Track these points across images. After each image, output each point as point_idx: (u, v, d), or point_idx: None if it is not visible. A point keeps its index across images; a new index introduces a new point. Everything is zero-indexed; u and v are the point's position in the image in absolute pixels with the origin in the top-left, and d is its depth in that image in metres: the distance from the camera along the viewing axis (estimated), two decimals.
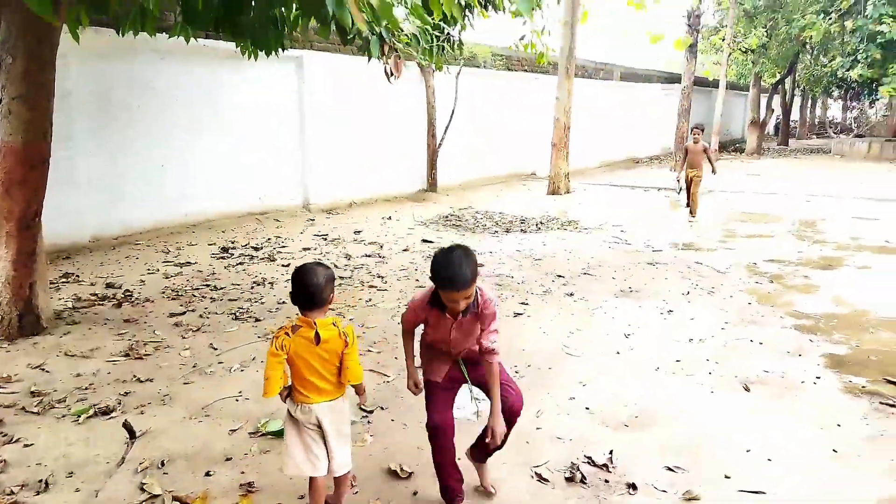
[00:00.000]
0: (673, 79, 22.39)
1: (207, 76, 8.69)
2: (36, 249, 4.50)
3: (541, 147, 14.36)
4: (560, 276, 6.64)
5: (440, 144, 12.30)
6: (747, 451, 3.20)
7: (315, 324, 2.44)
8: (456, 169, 13.39)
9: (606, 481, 2.96)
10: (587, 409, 3.68)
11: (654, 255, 7.57)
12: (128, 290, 5.98)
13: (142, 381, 4.03)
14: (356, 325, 5.06)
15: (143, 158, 8.06)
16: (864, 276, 6.68)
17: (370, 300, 5.75)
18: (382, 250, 7.82)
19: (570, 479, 2.97)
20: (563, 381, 4.06)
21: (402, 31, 4.29)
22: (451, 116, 12.26)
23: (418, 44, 4.61)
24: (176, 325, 5.07)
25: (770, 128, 32.95)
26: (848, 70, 20.17)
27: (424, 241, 8.38)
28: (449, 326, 2.59)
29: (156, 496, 2.83)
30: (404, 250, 7.83)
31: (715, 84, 20.70)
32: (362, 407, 3.64)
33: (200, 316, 5.29)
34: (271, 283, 6.27)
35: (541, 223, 9.70)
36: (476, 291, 2.48)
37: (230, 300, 5.72)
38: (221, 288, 6.09)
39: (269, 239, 8.33)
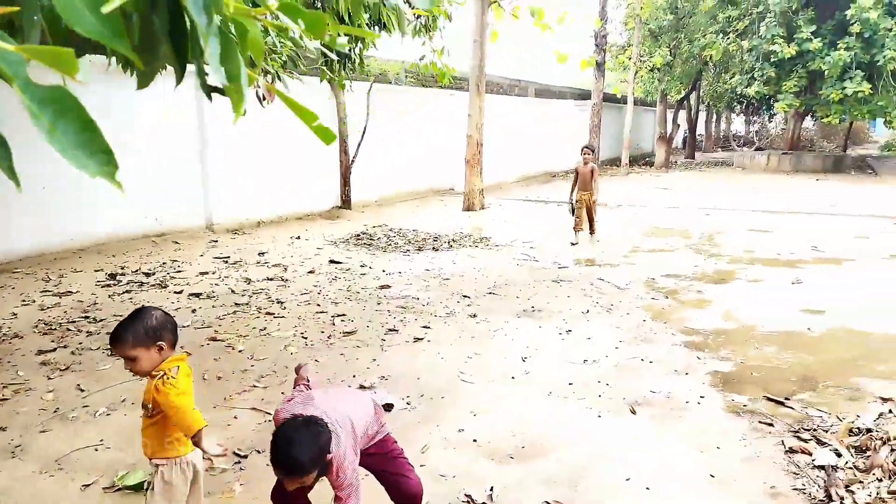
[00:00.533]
0: (586, 95, 23.08)
1: (99, 90, 8.17)
2: None
3: (459, 162, 14.38)
4: (466, 296, 6.58)
5: (353, 161, 12.11)
6: (626, 479, 3.19)
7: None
8: (371, 185, 13.23)
9: None
10: (475, 441, 3.59)
11: (560, 272, 7.65)
12: None
13: None
14: (245, 357, 4.81)
15: (22, 179, 7.45)
16: (755, 289, 6.97)
17: (264, 329, 5.49)
18: (286, 273, 7.55)
19: None
20: (454, 411, 3.96)
21: (275, 52, 4.11)
22: (364, 133, 12.11)
23: (295, 66, 4.44)
24: (43, 363, 4.65)
25: (678, 141, 34.57)
26: (746, 87, 21.40)
27: (332, 261, 8.16)
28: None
29: None
30: (309, 272, 7.59)
31: (625, 101, 21.48)
32: (235, 451, 3.41)
33: (72, 352, 4.89)
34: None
35: (453, 241, 9.67)
36: (329, 463, 2.13)
37: (108, 333, 5.31)
38: (101, 320, 5.67)
39: (163, 263, 7.88)
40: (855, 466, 3.20)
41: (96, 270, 7.41)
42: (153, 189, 9.01)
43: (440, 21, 6.16)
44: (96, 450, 3.45)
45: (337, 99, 11.64)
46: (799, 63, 19.58)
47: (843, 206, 13.36)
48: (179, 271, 7.52)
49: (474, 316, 5.90)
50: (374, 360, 4.79)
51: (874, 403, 4.00)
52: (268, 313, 5.94)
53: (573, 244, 9.40)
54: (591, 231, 9.70)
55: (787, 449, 3.46)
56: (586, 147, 9.51)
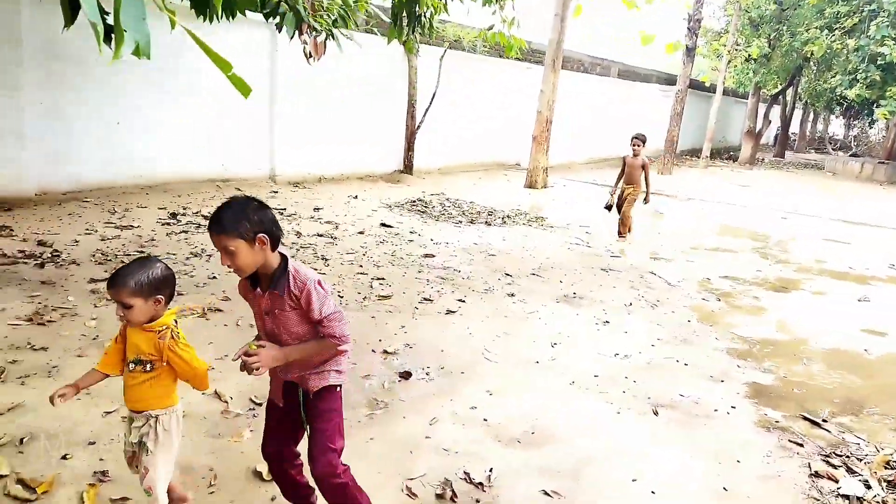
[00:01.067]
0: (672, 80, 22.10)
1: (175, 34, 8.42)
2: None
3: (528, 138, 14.15)
4: (508, 274, 6.49)
5: (419, 126, 12.07)
6: (633, 480, 3.09)
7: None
8: (436, 152, 13.19)
9: (477, 501, 2.84)
10: (485, 420, 3.55)
11: (611, 261, 7.43)
12: (56, 250, 5.80)
13: (35, 350, 3.87)
14: None
15: (96, 114, 7.83)
16: (817, 302, 6.56)
17: None
18: (336, 231, 7.65)
19: (440, 496, 2.84)
20: (471, 388, 3.93)
21: (325, 8, 4.07)
22: (433, 99, 12.03)
23: (345, 24, 4.39)
24: (92, 291, 4.90)
25: (768, 138, 32.76)
26: (847, 88, 19.95)
27: (383, 224, 8.21)
28: (260, 307, 2.19)
29: (2, 476, 2.69)
30: (359, 233, 7.66)
31: (713, 89, 20.45)
32: (251, 398, 3.51)
33: None
34: (209, 256, 6.09)
35: (508, 217, 9.54)
36: (290, 272, 2.11)
37: None
38: (155, 256, 5.90)
39: None
40: (884, 502, 2.98)
41: (160, 208, 7.73)
42: (222, 135, 9.27)
43: None
44: None
45: (409, 63, 11.59)
46: None
47: None
48: None
49: (512, 295, 5.81)
50: (403, 326, 4.80)
51: None
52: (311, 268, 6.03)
53: (618, 244, 8.38)
54: (621, 233, 8.52)
55: (812, 472, 3.25)
56: (637, 137, 8.24)
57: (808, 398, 4.20)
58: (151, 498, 2.26)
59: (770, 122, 26.78)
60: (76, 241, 6.13)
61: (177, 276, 5.60)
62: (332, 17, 4.19)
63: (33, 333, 4.08)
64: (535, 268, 6.83)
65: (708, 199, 13.48)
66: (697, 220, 10.92)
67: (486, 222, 9.05)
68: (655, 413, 3.81)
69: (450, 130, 13.36)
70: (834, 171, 23.25)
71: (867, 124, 36.20)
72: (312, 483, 2.34)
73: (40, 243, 5.96)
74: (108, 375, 2.34)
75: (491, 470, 3.04)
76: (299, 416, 2.33)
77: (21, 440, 2.95)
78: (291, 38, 3.93)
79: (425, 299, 5.47)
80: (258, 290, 2.17)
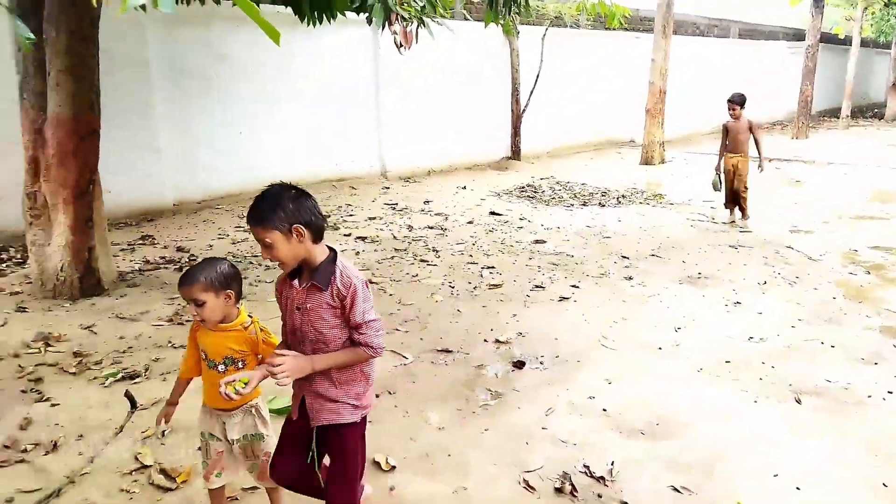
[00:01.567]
0: (800, 36, 20.18)
1: (282, 48, 8.81)
2: (92, 216, 4.77)
3: (641, 112, 13.50)
4: (625, 256, 6.20)
5: (524, 110, 11.85)
6: (774, 475, 2.81)
7: None
8: (543, 135, 12.90)
9: (599, 496, 2.70)
10: (604, 410, 3.39)
11: (740, 237, 6.89)
12: (193, 255, 6.26)
13: (175, 348, 4.18)
14: (395, 301, 4.99)
15: (220, 126, 8.36)
16: None
17: (416, 275, 5.65)
18: (446, 222, 7.68)
19: (559, 490, 2.74)
20: (588, 377, 3.77)
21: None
22: (536, 80, 11.75)
23: (433, 10, 4.31)
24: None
25: None
26: None
27: (492, 213, 8.14)
28: (293, 301, 2.02)
29: (146, 467, 2.92)
30: (468, 222, 7.65)
31: (848, 42, 18.42)
32: None
33: (251, 284, 5.43)
34: None
35: (623, 196, 9.14)
36: (339, 267, 1.97)
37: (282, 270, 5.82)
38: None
39: (339, 207, 8.43)
40: None
41: None
42: (334, 137, 9.61)
43: None
44: None
45: (510, 46, 11.40)
46: None
47: None
48: (351, 215, 8.00)
49: (630, 279, 5.54)
50: (515, 315, 4.71)
51: None
52: (422, 260, 6.10)
53: (732, 223, 7.47)
54: (742, 211, 7.47)
55: None
56: (731, 100, 7.11)
57: None
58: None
59: None
60: (210, 245, 6.59)
61: None
62: (420, 4, 4.16)
63: (173, 333, 4.42)
64: (654, 248, 6.47)
65: (851, 162, 12.17)
66: (840, 186, 9.88)
67: (600, 203, 8.72)
68: (798, 401, 3.46)
69: (557, 111, 13.00)
70: None
71: None
72: None
73: (179, 249, 6.47)
74: (191, 380, 2.42)
75: (613, 463, 2.89)
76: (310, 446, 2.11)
77: (163, 433, 3.19)
78: (382, 28, 3.96)
79: (537, 286, 5.34)
80: (295, 281, 2.01)
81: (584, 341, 4.26)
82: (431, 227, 7.40)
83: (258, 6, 4.59)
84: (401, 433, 3.19)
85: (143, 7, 1.81)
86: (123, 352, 4.11)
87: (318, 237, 1.97)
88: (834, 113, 21.85)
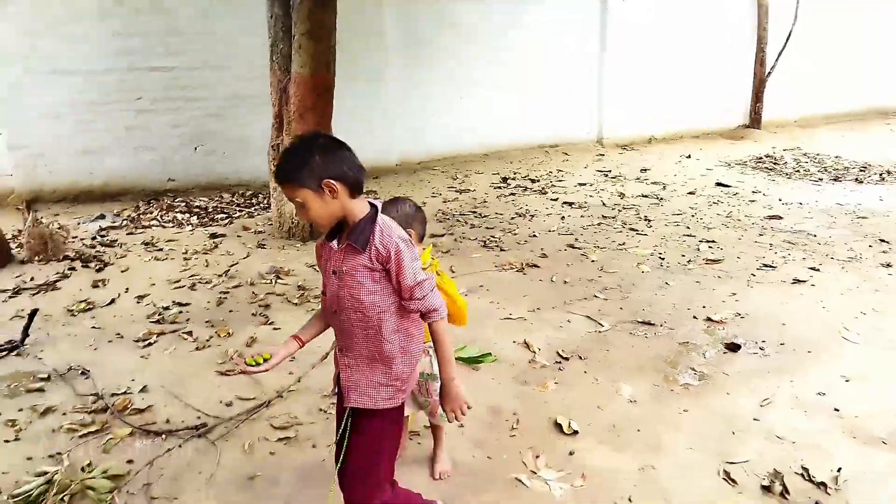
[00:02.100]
0: None
1: (508, 12, 8.80)
2: None
3: None
4: (884, 240, 5.20)
5: (769, 73, 10.47)
6: None
7: None
8: (790, 102, 11.32)
9: (816, 502, 2.28)
10: (836, 410, 2.86)
11: None
12: None
13: None
14: (597, 268, 4.75)
15: (443, 91, 8.65)
16: None
17: (623, 244, 5.31)
18: (664, 191, 7.12)
19: (766, 489, 2.37)
20: (819, 370, 3.21)
21: None
22: (787, 40, 10.27)
23: None
24: (431, 245, 5.43)
25: None
26: None
27: (719, 184, 7.37)
28: (330, 264, 1.77)
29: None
30: (689, 193, 7.01)
31: None
32: (558, 352, 3.44)
33: (456, 239, 5.57)
34: (532, 216, 6.25)
35: (888, 172, 7.68)
36: (378, 225, 1.71)
37: (487, 228, 5.89)
38: (485, 216, 6.30)
39: (549, 172, 8.28)
40: None
41: (493, 174, 8.23)
42: (549, 103, 9.43)
43: None
44: None
45: (759, 1, 10.10)
46: None
47: None
48: (561, 181, 7.81)
49: (888, 266, 4.62)
50: (734, 294, 4.19)
51: None
52: (631, 229, 5.73)
53: None
54: None
55: None
56: None
57: None
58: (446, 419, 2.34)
59: None
60: (424, 203, 6.89)
61: (500, 233, 5.86)
62: None
63: None
64: None
65: None
66: None
67: (857, 179, 7.42)
68: None
69: (808, 75, 11.28)
70: None
71: None
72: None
73: None
74: None
75: (839, 469, 2.42)
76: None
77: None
78: None
79: (765, 265, 4.70)
80: (334, 242, 1.75)
81: (820, 331, 3.64)
82: (646, 196, 6.91)
83: None
84: (588, 400, 3.01)
85: None
86: None
87: (355, 191, 1.71)
88: None
